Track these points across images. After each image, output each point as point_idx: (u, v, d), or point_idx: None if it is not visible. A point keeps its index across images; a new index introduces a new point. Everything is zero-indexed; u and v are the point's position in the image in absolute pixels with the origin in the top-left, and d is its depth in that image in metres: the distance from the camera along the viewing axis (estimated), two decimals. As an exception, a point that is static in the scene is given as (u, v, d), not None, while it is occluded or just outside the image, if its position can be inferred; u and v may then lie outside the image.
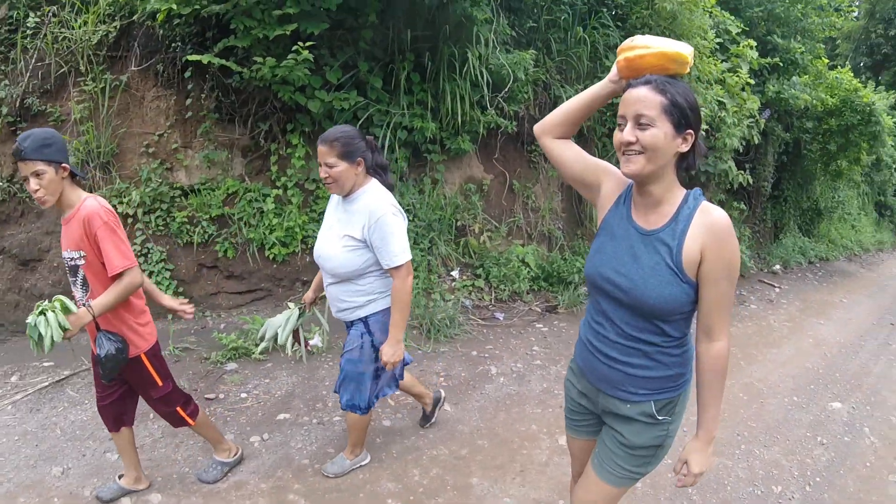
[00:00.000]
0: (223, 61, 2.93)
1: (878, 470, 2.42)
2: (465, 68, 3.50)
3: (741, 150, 4.76)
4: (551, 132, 1.28)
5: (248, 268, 3.46)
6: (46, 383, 2.71)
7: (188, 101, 3.42)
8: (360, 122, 3.45)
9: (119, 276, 1.60)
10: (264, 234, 3.35)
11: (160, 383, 1.77)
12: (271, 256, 3.41)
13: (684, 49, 1.07)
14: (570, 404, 1.38)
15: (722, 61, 4.64)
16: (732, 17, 4.83)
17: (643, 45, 1.08)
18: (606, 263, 1.16)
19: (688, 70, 1.08)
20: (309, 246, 3.46)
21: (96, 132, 3.34)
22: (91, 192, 3.21)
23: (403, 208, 3.55)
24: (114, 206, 3.31)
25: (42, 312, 1.51)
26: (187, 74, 3.35)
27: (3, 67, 3.47)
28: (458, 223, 3.94)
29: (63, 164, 1.55)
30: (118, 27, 3.40)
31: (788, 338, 4.13)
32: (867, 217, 11.24)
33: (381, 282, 1.80)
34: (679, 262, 1.06)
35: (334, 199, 1.84)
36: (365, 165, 1.75)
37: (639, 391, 1.18)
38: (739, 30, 4.88)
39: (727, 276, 1.05)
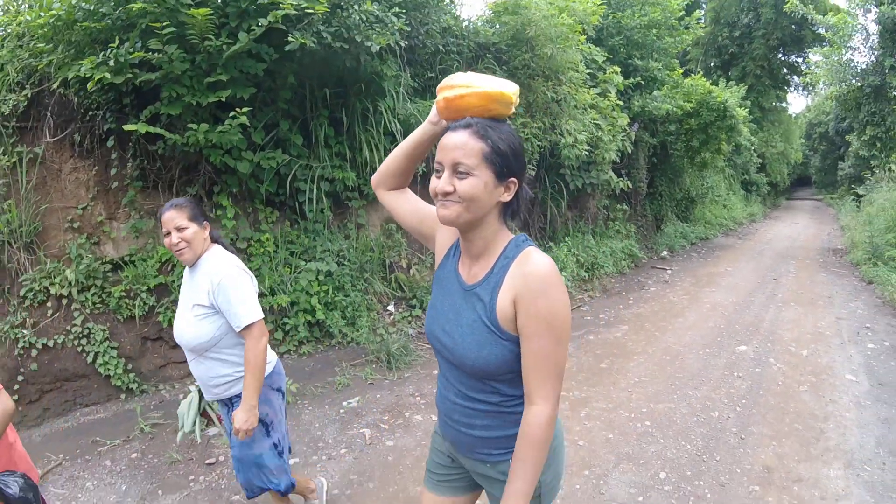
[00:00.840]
0: (158, 129, 3.18)
1: (789, 386, 3.37)
2: (378, 119, 4.04)
3: (617, 160, 5.80)
4: (383, 184, 1.25)
5: None
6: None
7: (112, 171, 3.58)
8: (288, 178, 3.83)
9: None
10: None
11: None
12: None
13: (509, 88, 1.01)
14: (437, 457, 1.31)
15: (592, 87, 5.63)
16: (598, 49, 5.87)
17: (464, 84, 1.01)
18: (436, 321, 1.12)
19: (513, 111, 1.02)
20: (271, 306, 3.75)
21: (17, 209, 3.36)
22: (17, 275, 3.30)
23: (333, 254, 4.03)
24: (45, 288, 3.32)
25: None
26: (110, 143, 3.52)
27: None
28: (387, 261, 4.43)
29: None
30: (28, 96, 3.45)
31: (689, 307, 5.17)
32: (735, 195, 13.49)
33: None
34: (493, 318, 1.00)
35: (186, 273, 1.84)
36: (209, 234, 1.81)
37: (492, 451, 1.12)
38: (605, 58, 5.94)
39: (547, 332, 0.96)
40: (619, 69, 5.97)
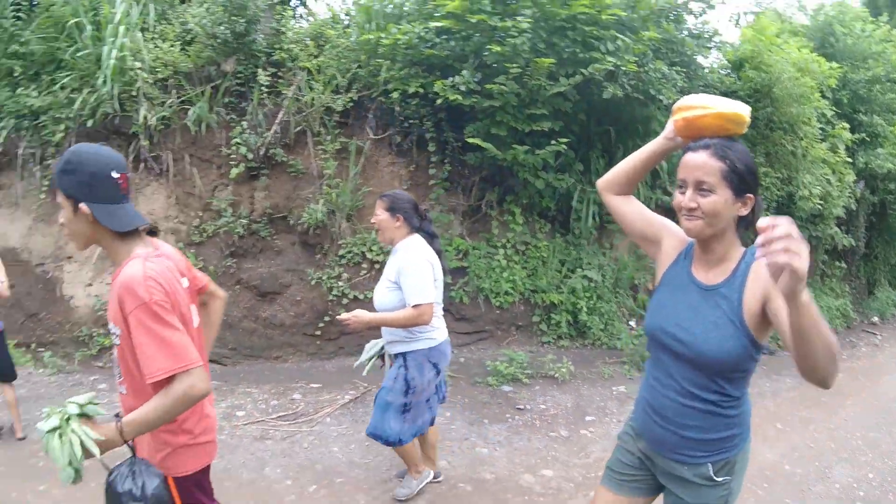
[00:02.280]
0: (487, 144, 4.06)
1: None
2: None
3: (843, 216, 6.01)
4: (611, 189, 1.41)
5: (477, 312, 4.49)
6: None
7: (431, 171, 4.54)
8: (564, 197, 4.60)
9: (170, 381, 1.19)
10: (492, 284, 4.42)
11: None
12: (497, 304, 4.46)
13: (742, 109, 1.12)
14: (624, 457, 1.42)
15: (821, 141, 5.92)
16: (827, 103, 6.15)
17: (701, 105, 1.13)
18: (668, 318, 1.25)
19: (745, 130, 1.13)
20: (525, 297, 4.53)
21: (345, 187, 4.37)
22: (336, 239, 4.28)
23: (596, 267, 4.66)
24: (361, 254, 4.29)
25: (57, 430, 1.21)
26: (431, 148, 4.45)
27: (234, 116, 4.53)
28: (635, 281, 5.06)
29: (81, 204, 1.21)
30: (353, 98, 4.51)
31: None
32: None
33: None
34: (740, 313, 1.14)
35: (391, 254, 2.38)
36: (406, 223, 2.30)
37: (697, 453, 1.25)
38: (833, 112, 6.19)
39: None
40: (846, 125, 6.19)
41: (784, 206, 5.46)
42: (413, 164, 4.61)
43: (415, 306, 2.19)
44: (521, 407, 3.61)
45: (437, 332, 2.37)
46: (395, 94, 4.22)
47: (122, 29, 4.51)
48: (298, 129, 4.50)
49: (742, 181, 1.14)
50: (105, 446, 1.23)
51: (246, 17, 4.51)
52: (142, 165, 4.45)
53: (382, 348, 2.54)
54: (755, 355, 1.19)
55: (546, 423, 3.44)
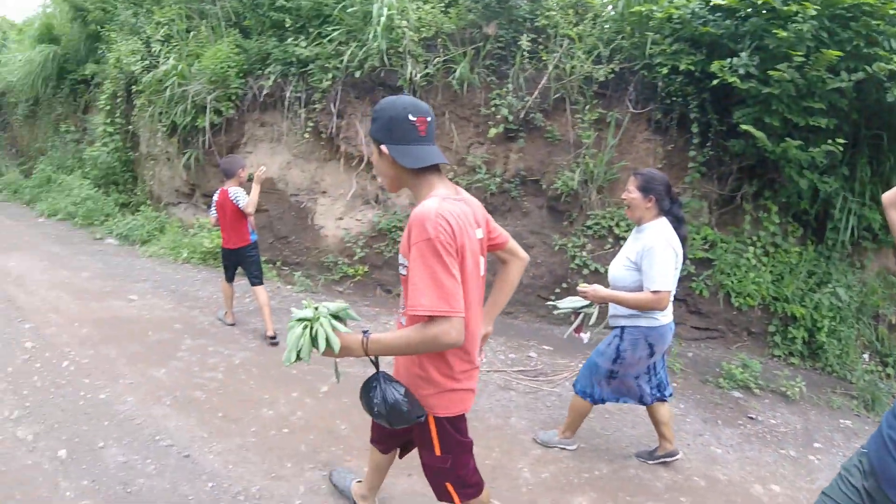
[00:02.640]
0: (759, 133, 3.78)
1: None
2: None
3: None
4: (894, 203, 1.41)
5: (714, 309, 4.30)
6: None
7: (690, 153, 4.40)
8: (832, 205, 4.22)
9: (428, 320, 1.29)
10: (735, 283, 4.17)
11: (438, 453, 1.55)
12: (737, 304, 4.21)
13: None
14: (846, 488, 1.37)
15: None
16: None
17: None
18: None
19: None
20: (766, 303, 4.20)
21: (600, 158, 4.33)
22: (584, 209, 4.24)
23: (844, 286, 4.18)
24: (608, 228, 4.33)
25: (306, 321, 1.39)
26: (694, 129, 4.26)
27: (494, 79, 4.69)
28: (879, 310, 4.51)
29: (382, 146, 1.38)
30: (613, 70, 4.45)
31: None
32: None
33: None
34: None
35: (633, 231, 2.50)
36: (657, 204, 2.36)
37: None
38: None
39: None
40: None
41: None
42: (671, 143, 4.46)
43: (654, 292, 2.26)
44: (753, 417, 3.50)
45: (663, 315, 2.41)
46: (663, 70, 4.10)
47: None
48: (557, 95, 4.54)
49: None
50: (345, 352, 1.39)
51: None
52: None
53: (582, 307, 2.63)
54: None
55: (776, 438, 3.32)
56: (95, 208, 7.57)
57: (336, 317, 1.45)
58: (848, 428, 3.63)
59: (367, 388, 1.50)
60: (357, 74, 4.90)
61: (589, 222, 4.43)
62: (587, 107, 4.56)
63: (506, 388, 3.56)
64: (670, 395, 2.73)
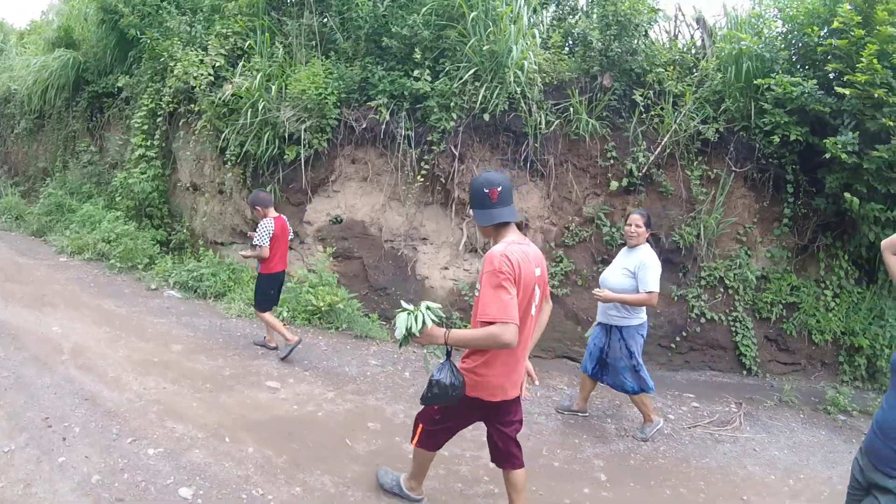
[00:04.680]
0: (856, 200, 4.95)
1: None
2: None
3: None
4: (892, 249, 2.23)
5: (797, 346, 5.54)
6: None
7: (785, 209, 5.57)
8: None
9: (488, 323, 2.17)
10: (815, 322, 5.42)
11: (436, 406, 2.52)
12: (817, 340, 5.42)
13: None
14: (852, 482, 2.07)
15: None
16: None
17: None
18: None
19: None
20: (836, 337, 5.54)
21: (707, 216, 5.34)
22: (697, 261, 5.40)
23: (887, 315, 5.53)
24: (719, 278, 5.50)
25: (409, 312, 2.34)
26: (789, 189, 5.44)
27: (609, 131, 5.57)
28: None
29: (469, 210, 3.01)
30: (718, 130, 5.55)
31: None
32: None
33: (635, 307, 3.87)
34: None
35: (623, 250, 4.03)
36: (648, 233, 3.95)
37: None
38: None
39: None
40: None
41: None
42: (766, 199, 5.49)
43: (649, 292, 3.71)
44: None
45: (645, 314, 3.98)
46: (775, 138, 5.15)
47: (514, 29, 5.39)
48: (667, 151, 5.37)
49: None
50: (429, 338, 2.32)
51: (623, 34, 5.38)
52: (528, 165, 5.39)
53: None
54: None
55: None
56: (134, 248, 7.09)
57: (430, 310, 2.39)
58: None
59: (438, 371, 2.38)
60: (486, 117, 5.43)
61: (703, 273, 5.48)
62: (695, 163, 5.45)
63: (719, 442, 4.26)
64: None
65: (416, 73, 5.67)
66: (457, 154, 5.57)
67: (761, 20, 5.87)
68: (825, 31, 5.30)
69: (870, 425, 2.06)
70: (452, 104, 5.52)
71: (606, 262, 5.54)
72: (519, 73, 5.38)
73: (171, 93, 6.90)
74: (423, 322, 2.32)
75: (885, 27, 4.76)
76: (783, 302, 5.57)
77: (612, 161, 5.56)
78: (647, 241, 3.98)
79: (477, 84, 5.48)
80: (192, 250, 7.20)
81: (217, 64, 6.45)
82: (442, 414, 2.59)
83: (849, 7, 4.95)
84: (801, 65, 5.58)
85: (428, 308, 2.38)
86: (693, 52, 6.33)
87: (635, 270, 3.78)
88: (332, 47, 6.40)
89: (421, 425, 2.68)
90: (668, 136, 5.44)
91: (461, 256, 5.81)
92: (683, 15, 6.74)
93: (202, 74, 6.36)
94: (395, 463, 3.33)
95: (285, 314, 5.70)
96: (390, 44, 5.83)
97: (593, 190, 5.68)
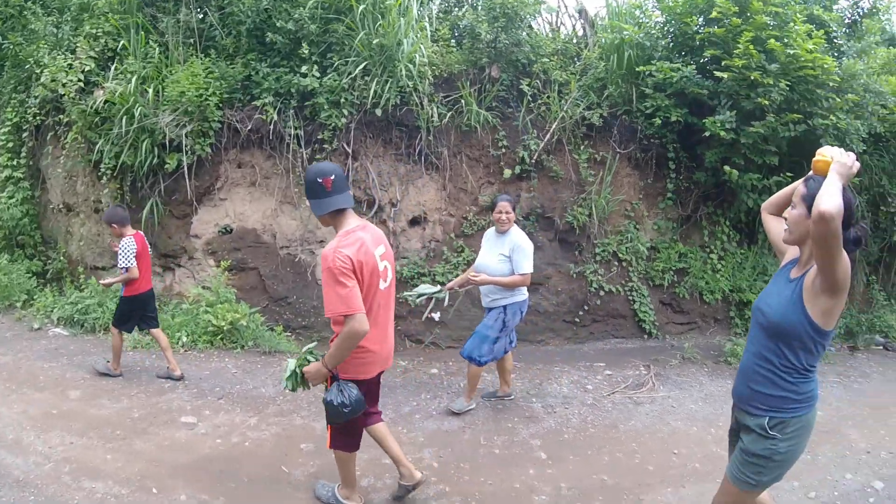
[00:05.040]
0: (735, 172, 5.53)
1: None
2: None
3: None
4: (770, 210, 2.31)
5: (690, 307, 6.02)
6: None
7: (668, 185, 6.13)
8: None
9: (344, 321, 2.35)
10: (704, 284, 5.93)
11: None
12: (708, 300, 5.96)
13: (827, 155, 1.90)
14: (731, 422, 2.32)
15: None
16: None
17: (823, 154, 1.90)
18: (762, 299, 2.14)
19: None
20: (725, 295, 6.18)
21: (597, 196, 5.73)
22: (592, 238, 5.74)
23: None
24: (612, 252, 5.95)
25: (296, 362, 2.62)
26: (671, 166, 5.92)
27: (499, 120, 5.83)
28: None
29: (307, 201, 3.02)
30: (602, 115, 5.96)
31: None
32: None
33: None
34: (801, 294, 1.94)
35: (489, 234, 4.15)
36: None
37: (759, 406, 2.05)
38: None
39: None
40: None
41: None
42: (649, 177, 5.94)
43: (523, 274, 3.91)
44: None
45: (526, 292, 4.15)
46: (657, 121, 5.63)
47: (403, 22, 5.48)
48: (556, 137, 5.69)
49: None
50: (317, 376, 2.52)
51: (510, 26, 5.68)
52: (423, 159, 5.49)
53: (434, 293, 4.14)
54: (811, 332, 1.94)
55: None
56: (9, 283, 6.40)
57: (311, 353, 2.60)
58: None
59: (328, 395, 2.53)
60: (378, 112, 5.42)
61: (597, 249, 5.86)
62: (582, 147, 5.78)
63: (639, 404, 4.56)
64: (514, 345, 4.36)
65: (303, 68, 5.52)
66: (350, 151, 5.56)
67: (640, 10, 6.36)
68: (702, 20, 5.82)
69: None
70: (343, 100, 5.47)
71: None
72: (410, 66, 5.43)
73: (37, 103, 6.29)
74: (299, 373, 2.59)
75: (759, 16, 5.35)
76: (673, 268, 6.08)
77: (503, 150, 5.80)
78: (514, 223, 4.13)
79: (367, 79, 5.46)
80: (72, 279, 6.58)
81: (87, 68, 5.95)
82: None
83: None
84: (678, 52, 6.12)
85: (310, 352, 2.62)
86: (575, 41, 6.73)
87: (510, 254, 3.93)
88: (212, 44, 6.12)
89: (329, 426, 2.75)
90: (556, 123, 5.76)
91: None
92: (566, 6, 7.13)
93: (71, 81, 5.81)
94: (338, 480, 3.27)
95: (184, 339, 5.38)
96: (275, 39, 5.65)
97: (487, 179, 5.91)
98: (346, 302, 2.33)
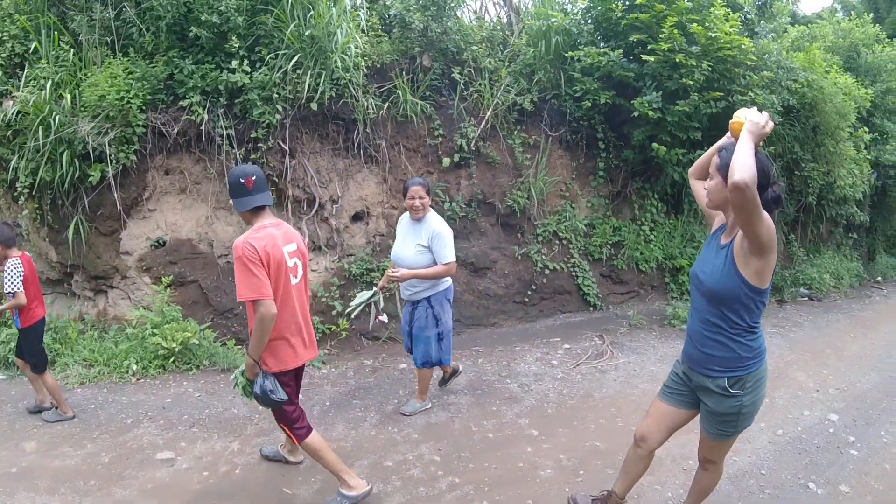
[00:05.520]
0: (663, 149, 6.00)
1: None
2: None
3: (861, 199, 8.67)
4: (696, 175, 2.47)
5: (629, 277, 6.50)
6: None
7: (599, 164, 6.64)
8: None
9: (254, 307, 2.61)
10: (638, 254, 6.42)
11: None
12: (643, 269, 6.47)
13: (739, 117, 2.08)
14: (673, 376, 2.50)
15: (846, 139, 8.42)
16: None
17: (738, 116, 2.07)
18: (698, 265, 2.29)
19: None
20: (659, 263, 6.74)
21: (533, 179, 6.06)
22: (532, 220, 6.15)
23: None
24: (553, 232, 6.41)
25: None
26: (601, 146, 6.33)
27: (434, 109, 6.05)
28: None
29: (230, 200, 3.16)
30: (532, 100, 6.36)
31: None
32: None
33: None
34: (732, 259, 2.09)
35: (404, 221, 3.91)
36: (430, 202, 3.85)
37: (715, 368, 2.23)
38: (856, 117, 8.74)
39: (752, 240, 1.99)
40: (866, 129, 8.82)
41: (826, 191, 8.11)
42: (580, 157, 6.35)
43: (446, 264, 3.72)
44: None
45: (449, 279, 3.99)
46: (586, 103, 6.04)
47: (335, 12, 5.48)
48: (489, 124, 5.98)
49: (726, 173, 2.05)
50: (251, 369, 2.82)
51: (441, 14, 5.92)
52: (361, 152, 5.59)
53: (369, 298, 4.07)
54: (749, 293, 2.11)
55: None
56: None
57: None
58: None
59: (258, 385, 2.80)
60: (314, 107, 5.41)
61: (538, 230, 6.21)
62: (515, 132, 6.08)
63: (603, 372, 4.96)
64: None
65: (233, 63, 5.34)
66: (287, 149, 5.57)
67: None
68: (626, 5, 6.23)
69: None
70: (275, 95, 5.38)
71: (454, 236, 5.95)
72: (345, 57, 5.46)
73: None
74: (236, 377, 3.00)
75: (681, 1, 5.84)
76: (610, 243, 6.59)
77: (440, 139, 6.06)
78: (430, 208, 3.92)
79: (299, 72, 5.40)
80: None
81: None
82: (287, 403, 2.90)
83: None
84: (603, 37, 6.56)
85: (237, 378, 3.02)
86: (500, 29, 6.99)
87: (429, 244, 3.73)
88: (130, 43, 5.75)
89: (285, 427, 2.96)
90: (490, 110, 6.04)
91: (314, 261, 5.77)
92: (490, -6, 7.37)
93: None
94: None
95: (134, 367, 5.09)
96: (199, 33, 5.37)
97: (426, 168, 6.14)
98: (254, 289, 2.59)
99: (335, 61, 5.40)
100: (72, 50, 5.62)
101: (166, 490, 3.40)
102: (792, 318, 6.96)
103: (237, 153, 5.50)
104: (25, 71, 5.57)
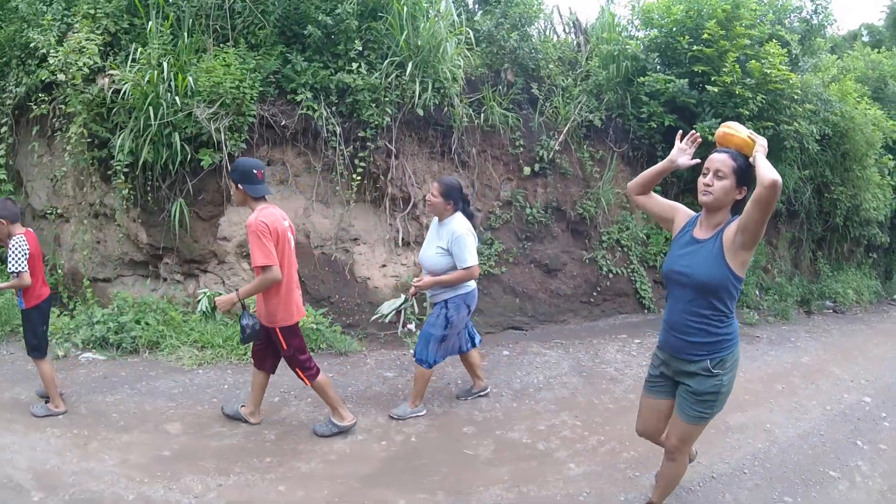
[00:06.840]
0: None
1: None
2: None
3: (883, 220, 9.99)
4: (637, 191, 2.83)
5: None
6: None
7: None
8: None
9: (263, 271, 3.51)
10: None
11: (285, 347, 3.80)
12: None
13: (755, 140, 2.40)
14: (653, 370, 2.86)
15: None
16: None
17: (737, 130, 2.44)
18: (675, 262, 2.61)
19: (749, 153, 2.38)
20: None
21: (601, 190, 7.23)
22: (598, 227, 7.63)
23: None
24: (616, 240, 7.56)
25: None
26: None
27: (515, 121, 7.12)
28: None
29: (239, 185, 3.68)
30: (601, 117, 7.49)
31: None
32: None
33: None
34: (720, 249, 2.40)
35: (433, 222, 4.22)
36: (454, 206, 4.03)
37: (698, 353, 2.57)
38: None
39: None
40: (891, 156, 10.01)
41: (852, 212, 9.48)
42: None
43: (467, 268, 3.92)
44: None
45: (473, 282, 4.17)
46: (651, 124, 7.18)
47: (442, 25, 6.38)
48: (563, 139, 7.18)
49: (742, 178, 2.47)
50: (227, 303, 3.71)
51: (522, 33, 7.07)
52: (455, 157, 6.58)
53: (401, 305, 4.48)
54: (734, 282, 2.49)
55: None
56: (6, 305, 5.96)
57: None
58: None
59: (242, 319, 3.73)
60: (420, 111, 6.12)
61: (603, 237, 7.42)
62: (585, 146, 7.16)
63: None
64: (480, 340, 4.68)
65: (353, 65, 5.82)
66: (393, 150, 6.39)
67: (633, 26, 8.11)
68: (691, 39, 7.47)
69: (661, 327, 2.83)
70: (385, 98, 5.93)
71: (530, 239, 7.07)
72: (454, 68, 6.41)
73: (22, 92, 5.95)
74: (210, 302, 3.90)
75: (742, 39, 7.14)
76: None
77: (520, 149, 7.23)
78: (465, 212, 4.10)
79: (405, 78, 6.00)
80: (71, 296, 6.42)
81: (90, 53, 5.66)
82: (298, 350, 3.84)
83: (714, 22, 7.16)
84: (665, 63, 7.82)
85: (206, 294, 4.02)
86: (570, 49, 8.22)
87: (448, 247, 3.94)
88: (233, 34, 6.01)
89: (299, 370, 3.85)
90: (568, 124, 7.11)
91: (395, 252, 6.60)
92: (561, 16, 8.44)
93: (81, 65, 5.54)
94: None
95: (209, 355, 5.39)
96: (313, 32, 5.83)
97: (507, 176, 7.31)
98: (267, 256, 3.50)
99: (442, 70, 6.29)
100: (169, 33, 5.75)
101: (354, 458, 3.72)
102: (821, 326, 8.31)
103: (345, 150, 5.98)
104: (130, 50, 5.68)
